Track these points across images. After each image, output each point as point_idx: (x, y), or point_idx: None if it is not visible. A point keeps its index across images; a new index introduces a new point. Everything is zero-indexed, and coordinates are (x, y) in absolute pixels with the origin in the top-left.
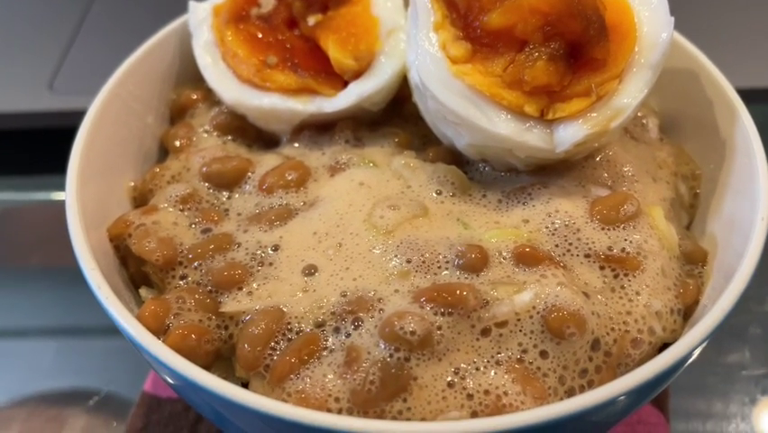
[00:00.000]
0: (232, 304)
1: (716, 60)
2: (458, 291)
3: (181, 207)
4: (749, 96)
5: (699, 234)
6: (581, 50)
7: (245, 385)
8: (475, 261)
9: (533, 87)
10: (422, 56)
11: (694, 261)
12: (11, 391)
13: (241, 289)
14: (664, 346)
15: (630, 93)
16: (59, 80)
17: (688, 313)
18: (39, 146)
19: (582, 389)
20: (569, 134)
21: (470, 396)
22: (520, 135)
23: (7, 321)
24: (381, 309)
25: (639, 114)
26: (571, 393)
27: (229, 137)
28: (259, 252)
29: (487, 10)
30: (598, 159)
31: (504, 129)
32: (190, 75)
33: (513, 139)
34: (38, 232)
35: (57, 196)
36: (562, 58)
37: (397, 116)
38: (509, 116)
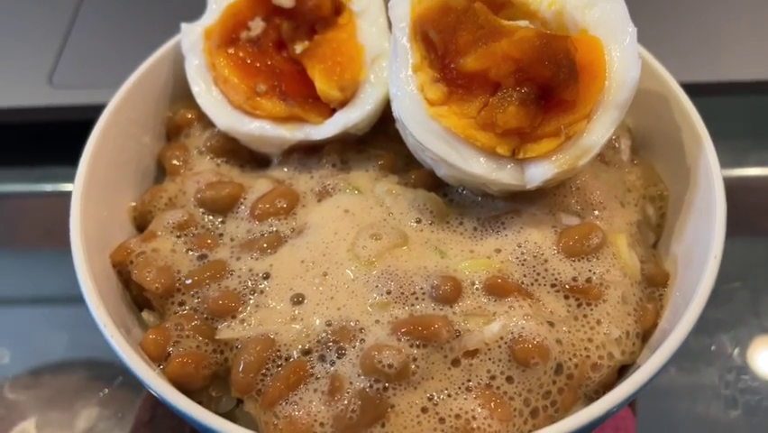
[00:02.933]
0: (226, 331)
1: (663, 54)
2: (432, 325)
3: (178, 233)
4: (693, 90)
5: (663, 253)
6: (552, 92)
7: (241, 402)
8: (449, 292)
9: (504, 129)
10: (401, 96)
11: (656, 284)
12: (29, 362)
13: (234, 317)
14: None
15: (598, 132)
16: (59, 74)
17: (647, 336)
18: (41, 138)
19: (546, 409)
20: (539, 173)
21: (442, 420)
22: (493, 174)
23: (27, 291)
24: (363, 339)
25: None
26: (535, 413)
27: (222, 159)
28: (250, 280)
29: (463, 53)
30: (569, 187)
31: (477, 169)
32: (185, 92)
33: (486, 177)
34: (45, 221)
35: (62, 187)
36: (532, 101)
37: (383, 135)
38: (482, 157)
